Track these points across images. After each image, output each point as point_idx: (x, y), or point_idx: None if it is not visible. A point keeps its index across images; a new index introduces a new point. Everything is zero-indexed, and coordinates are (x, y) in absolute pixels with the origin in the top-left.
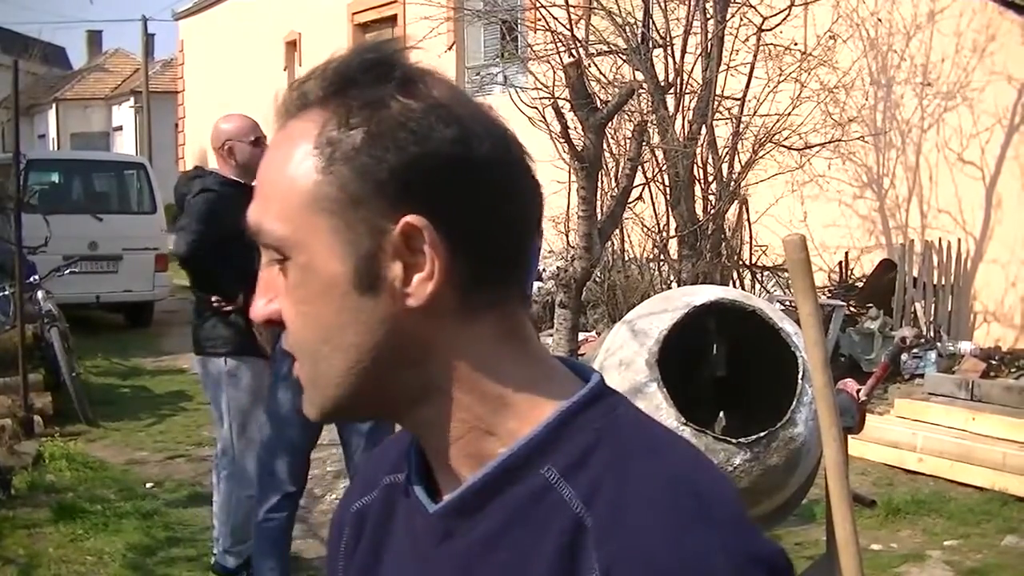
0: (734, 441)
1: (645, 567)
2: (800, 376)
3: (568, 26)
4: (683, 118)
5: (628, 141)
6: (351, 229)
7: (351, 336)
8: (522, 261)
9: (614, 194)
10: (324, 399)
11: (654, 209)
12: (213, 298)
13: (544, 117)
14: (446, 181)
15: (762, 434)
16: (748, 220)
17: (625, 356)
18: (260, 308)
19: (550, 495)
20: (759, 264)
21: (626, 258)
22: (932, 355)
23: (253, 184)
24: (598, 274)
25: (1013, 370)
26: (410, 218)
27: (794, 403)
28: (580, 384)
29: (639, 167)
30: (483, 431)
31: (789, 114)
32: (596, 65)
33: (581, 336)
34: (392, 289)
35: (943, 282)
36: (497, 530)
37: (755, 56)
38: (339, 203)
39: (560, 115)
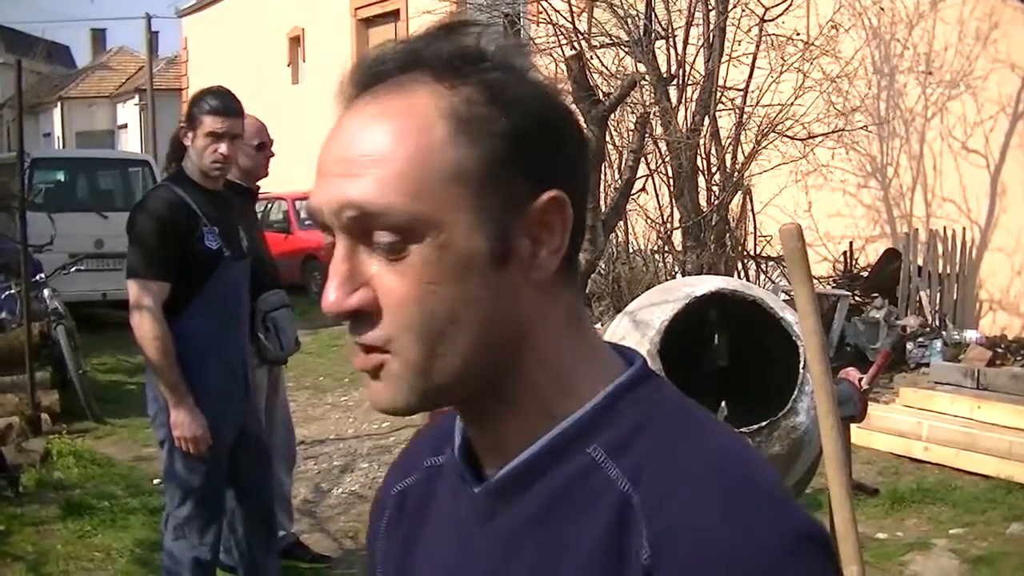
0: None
1: (694, 543)
2: (801, 365)
3: (570, 19)
4: (686, 109)
5: (631, 133)
6: (489, 201)
7: (480, 312)
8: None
9: (617, 186)
10: (427, 384)
11: (658, 201)
12: None
13: None
14: (567, 151)
15: (764, 423)
16: (752, 210)
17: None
18: (346, 299)
19: (596, 474)
20: (763, 254)
21: (630, 250)
22: (938, 344)
23: (254, 187)
24: (602, 266)
25: (1019, 358)
26: (555, 193)
27: (796, 392)
28: (625, 367)
29: (642, 159)
30: (542, 412)
31: (792, 104)
32: (598, 57)
33: None
34: (520, 263)
35: (948, 271)
36: (542, 510)
37: (757, 46)
38: (477, 175)
39: None
